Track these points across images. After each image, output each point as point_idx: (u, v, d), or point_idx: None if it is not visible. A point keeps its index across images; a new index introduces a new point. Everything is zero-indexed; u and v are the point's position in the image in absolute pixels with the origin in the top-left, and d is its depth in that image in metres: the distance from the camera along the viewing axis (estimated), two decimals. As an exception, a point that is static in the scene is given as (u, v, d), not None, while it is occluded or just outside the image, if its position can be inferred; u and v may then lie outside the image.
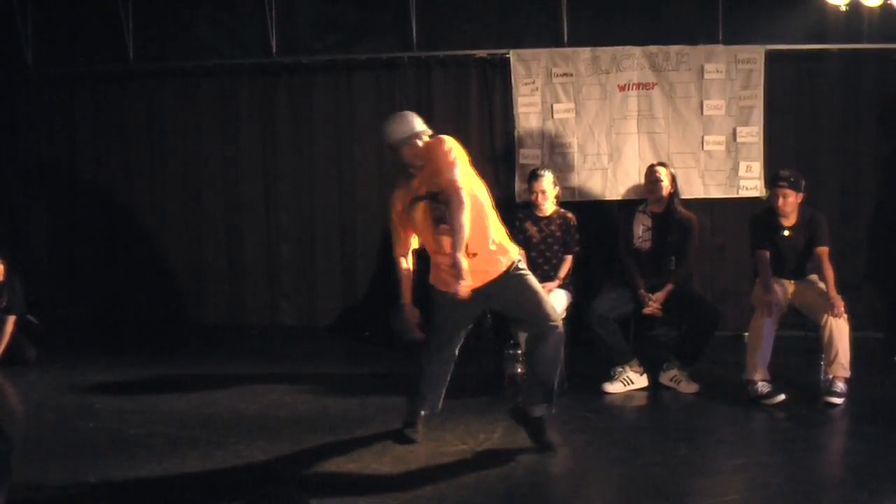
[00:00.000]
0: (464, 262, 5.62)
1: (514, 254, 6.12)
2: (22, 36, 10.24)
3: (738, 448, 6.36)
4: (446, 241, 5.82)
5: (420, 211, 5.98)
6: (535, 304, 6.03)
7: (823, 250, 7.39)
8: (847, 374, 7.06)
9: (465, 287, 5.62)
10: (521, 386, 6.90)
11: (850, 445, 6.51)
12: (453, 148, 5.85)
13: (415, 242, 6.23)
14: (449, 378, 6.40)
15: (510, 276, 6.02)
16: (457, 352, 6.37)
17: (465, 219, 5.66)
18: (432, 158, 5.88)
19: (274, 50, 9.94)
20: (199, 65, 10.13)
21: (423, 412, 6.44)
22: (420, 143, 5.94)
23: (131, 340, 9.99)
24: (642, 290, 7.67)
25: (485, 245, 5.94)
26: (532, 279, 6.12)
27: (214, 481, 5.64)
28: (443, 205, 5.80)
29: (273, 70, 10.07)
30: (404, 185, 6.10)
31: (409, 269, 6.21)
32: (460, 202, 5.67)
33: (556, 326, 5.99)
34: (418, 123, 6.02)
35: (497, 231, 6.08)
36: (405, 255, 6.21)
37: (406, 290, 6.19)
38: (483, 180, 6.13)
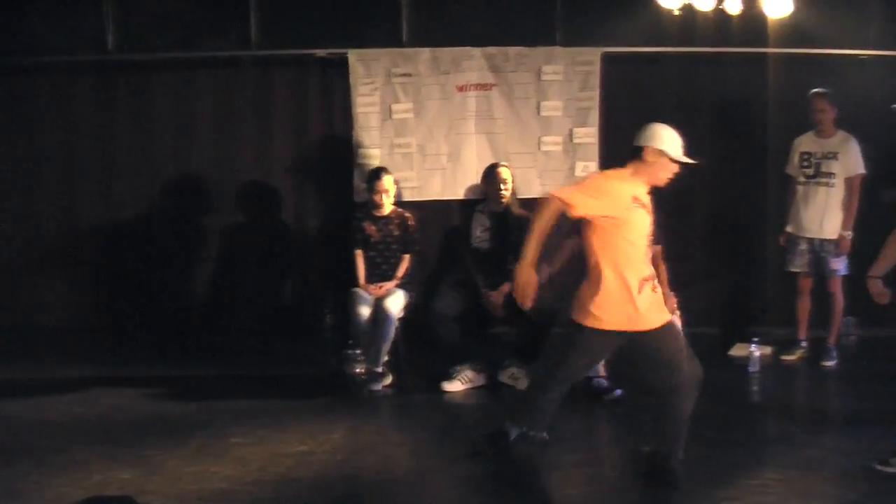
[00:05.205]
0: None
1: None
2: None
3: (577, 443, 6.45)
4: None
5: (642, 218, 5.77)
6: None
7: (656, 249, 7.54)
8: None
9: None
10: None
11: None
12: None
13: None
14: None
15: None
16: None
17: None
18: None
19: (110, 46, 9.71)
20: (34, 61, 9.75)
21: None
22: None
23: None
24: (485, 289, 7.71)
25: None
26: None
27: (50, 488, 5.50)
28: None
29: (110, 67, 9.80)
30: (629, 178, 5.89)
31: None
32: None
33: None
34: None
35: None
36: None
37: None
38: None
